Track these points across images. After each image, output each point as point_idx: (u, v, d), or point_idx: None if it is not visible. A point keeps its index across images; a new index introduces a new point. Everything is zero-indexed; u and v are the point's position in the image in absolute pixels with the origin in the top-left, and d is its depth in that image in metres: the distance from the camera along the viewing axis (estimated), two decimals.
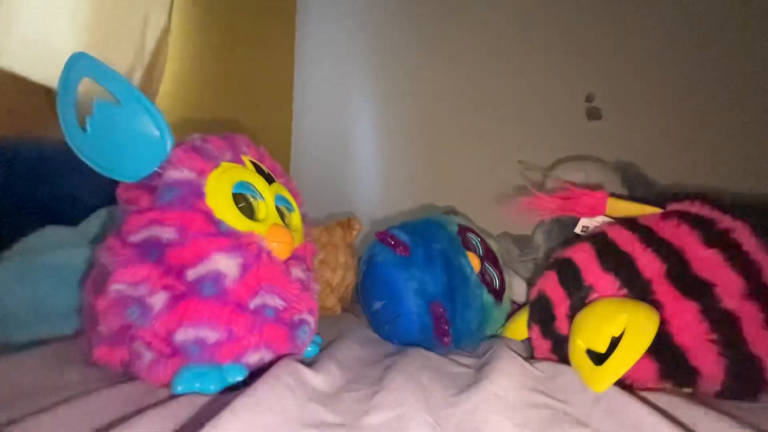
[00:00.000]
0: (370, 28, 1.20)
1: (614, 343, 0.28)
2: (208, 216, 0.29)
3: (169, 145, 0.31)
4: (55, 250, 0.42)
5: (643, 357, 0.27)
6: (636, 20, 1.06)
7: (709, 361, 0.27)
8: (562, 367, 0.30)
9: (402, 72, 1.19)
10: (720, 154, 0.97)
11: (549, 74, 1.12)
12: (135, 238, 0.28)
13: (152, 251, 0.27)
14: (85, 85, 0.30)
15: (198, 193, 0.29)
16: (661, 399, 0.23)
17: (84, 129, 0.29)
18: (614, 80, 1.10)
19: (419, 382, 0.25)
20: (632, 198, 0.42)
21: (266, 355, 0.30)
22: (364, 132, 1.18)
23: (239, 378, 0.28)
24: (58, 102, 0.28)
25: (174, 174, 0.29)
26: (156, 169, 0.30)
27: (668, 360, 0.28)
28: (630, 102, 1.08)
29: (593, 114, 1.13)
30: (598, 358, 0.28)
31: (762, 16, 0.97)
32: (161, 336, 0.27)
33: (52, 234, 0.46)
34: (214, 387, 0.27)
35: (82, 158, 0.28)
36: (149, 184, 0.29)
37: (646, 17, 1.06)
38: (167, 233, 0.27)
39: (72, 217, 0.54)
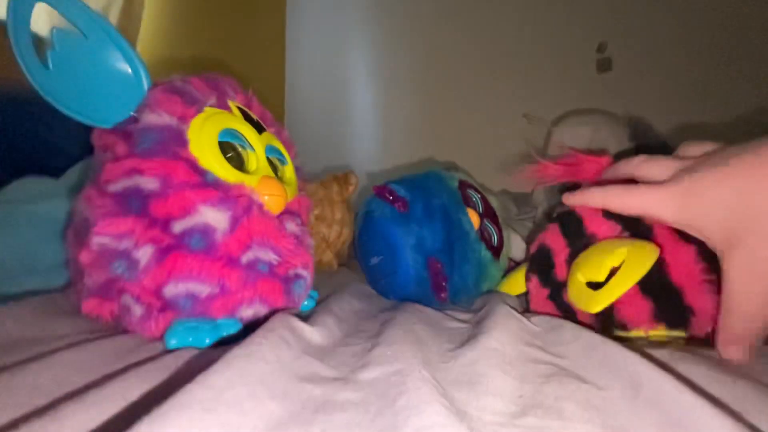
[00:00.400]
0: None
1: (613, 273, 0.28)
2: (193, 165, 0.27)
3: (145, 85, 0.28)
4: (37, 201, 0.40)
5: (638, 296, 0.28)
6: None
7: (703, 300, 0.28)
8: (559, 320, 0.30)
9: (402, 18, 1.10)
10: (732, 110, 0.93)
11: (557, 22, 1.05)
12: (114, 187, 0.26)
13: (134, 202, 0.25)
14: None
15: (180, 140, 0.27)
16: (657, 353, 0.23)
17: (47, 66, 0.26)
18: (627, 29, 1.02)
19: (417, 337, 0.25)
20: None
21: (261, 310, 0.30)
22: (362, 81, 1.12)
23: (233, 331, 0.27)
24: (10, 32, 0.24)
25: (152, 118, 0.26)
26: (132, 113, 0.27)
27: (664, 299, 0.29)
28: (642, 53, 1.02)
29: (604, 65, 1.07)
30: (597, 288, 0.29)
31: None
32: (150, 290, 0.26)
33: (33, 184, 0.44)
34: (208, 340, 0.26)
35: (47, 98, 0.26)
36: (125, 130, 0.27)
37: None
38: (149, 183, 0.25)
39: (53, 168, 0.51)
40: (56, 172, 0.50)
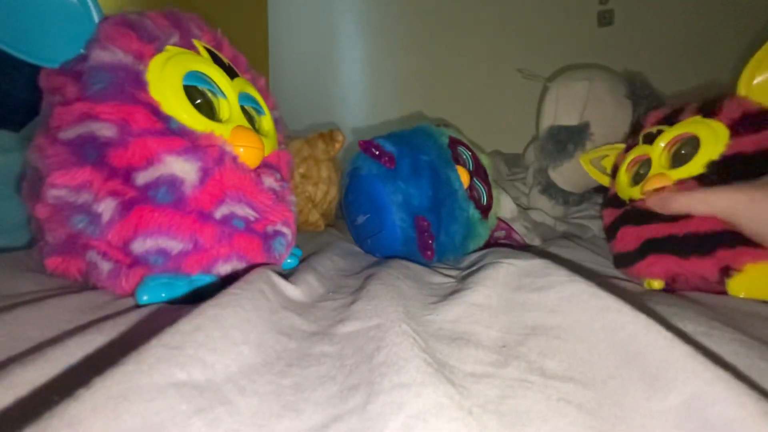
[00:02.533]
0: None
1: None
2: (154, 110, 0.24)
3: (94, 17, 0.25)
4: None
5: None
6: None
7: None
8: (550, 265, 0.28)
9: None
10: (733, 64, 0.90)
11: None
12: (66, 135, 0.23)
13: (89, 151, 0.23)
14: None
15: (137, 82, 0.24)
16: (655, 307, 0.22)
17: None
18: None
19: (399, 292, 0.24)
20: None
21: (239, 266, 0.28)
22: (349, 33, 1.05)
23: (209, 281, 0.26)
24: None
25: (103, 56, 0.23)
26: (81, 50, 0.24)
27: None
28: (645, 7, 0.96)
29: (605, 18, 1.01)
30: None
31: None
32: (117, 246, 0.24)
33: None
34: (183, 295, 0.25)
35: None
36: (75, 70, 0.24)
37: None
38: (105, 129, 0.23)
39: (14, 122, 0.48)
40: (19, 127, 0.46)
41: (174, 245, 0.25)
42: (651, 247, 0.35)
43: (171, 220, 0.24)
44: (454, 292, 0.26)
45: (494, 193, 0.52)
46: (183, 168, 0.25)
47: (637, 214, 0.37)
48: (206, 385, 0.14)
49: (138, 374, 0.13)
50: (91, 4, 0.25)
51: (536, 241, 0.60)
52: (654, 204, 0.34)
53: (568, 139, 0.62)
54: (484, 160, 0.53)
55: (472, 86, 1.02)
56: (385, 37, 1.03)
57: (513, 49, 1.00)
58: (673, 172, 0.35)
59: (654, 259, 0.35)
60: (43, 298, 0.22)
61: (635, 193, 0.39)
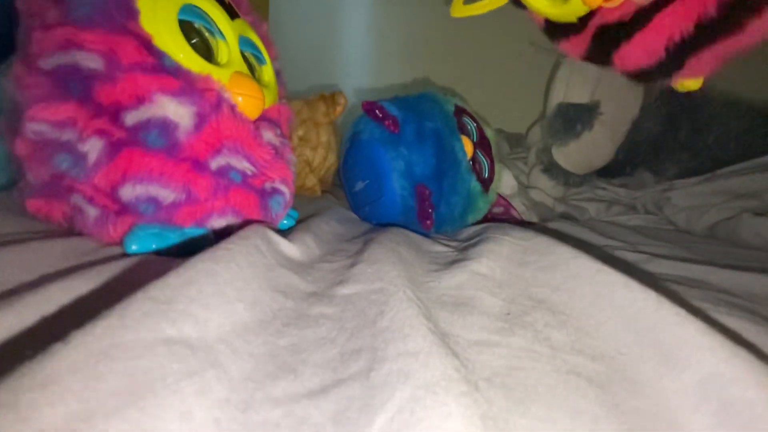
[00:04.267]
0: None
1: None
2: (146, 43, 0.22)
3: None
4: None
5: None
6: None
7: None
8: (554, 243, 0.28)
9: None
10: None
11: None
12: (47, 63, 0.21)
13: (73, 84, 0.21)
14: None
15: (127, 9, 0.22)
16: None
17: None
18: None
19: (400, 257, 0.24)
20: None
21: (234, 222, 0.27)
22: None
23: (201, 233, 0.25)
24: None
25: None
26: None
27: None
28: None
29: None
30: None
31: None
32: (104, 191, 0.23)
33: None
34: (174, 246, 0.24)
35: None
36: None
37: None
38: (90, 61, 0.21)
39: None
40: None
41: (166, 194, 0.23)
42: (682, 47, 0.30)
43: (163, 166, 0.23)
44: (455, 261, 0.26)
45: (496, 167, 0.51)
46: (177, 111, 0.23)
47: (620, 26, 0.32)
48: (198, 343, 0.13)
49: (122, 329, 0.12)
50: None
51: (534, 220, 0.59)
52: None
53: (576, 118, 0.61)
54: (489, 133, 0.51)
55: (480, 58, 0.98)
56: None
57: (526, 22, 0.95)
58: None
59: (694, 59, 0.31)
60: (24, 241, 0.21)
61: (579, 6, 0.33)
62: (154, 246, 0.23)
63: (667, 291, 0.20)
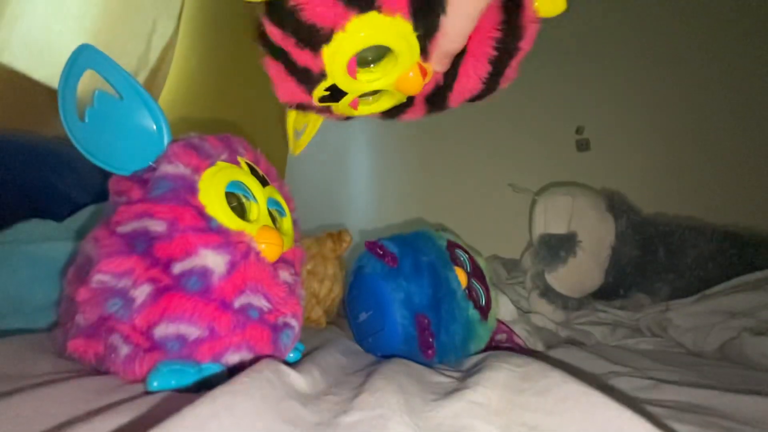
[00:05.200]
0: None
1: None
2: (200, 212, 0.29)
3: (166, 140, 0.31)
4: (38, 242, 0.41)
5: None
6: (625, 56, 1.12)
7: None
8: (550, 371, 0.29)
9: None
10: (704, 188, 1.01)
11: (541, 105, 1.17)
12: (123, 229, 0.27)
13: (140, 243, 0.27)
14: (88, 81, 0.31)
15: (191, 189, 0.29)
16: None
17: (83, 120, 0.29)
18: (603, 114, 1.15)
19: (400, 386, 0.25)
20: None
21: (247, 357, 0.30)
22: (359, 147, 1.20)
23: (216, 371, 0.27)
24: (60, 90, 0.28)
25: (168, 168, 0.29)
26: (151, 163, 0.30)
27: None
28: (618, 135, 1.12)
29: (583, 145, 1.17)
30: None
31: (745, 54, 1.03)
32: (141, 330, 0.26)
33: (35, 226, 0.45)
34: (191, 383, 0.26)
35: (78, 148, 0.29)
36: (142, 177, 0.30)
37: (635, 53, 1.12)
38: (157, 225, 0.27)
39: (59, 214, 0.53)
40: (60, 218, 0.52)
41: (192, 331, 0.27)
42: None
43: (195, 306, 0.27)
44: (454, 391, 0.27)
45: (492, 294, 0.54)
46: (215, 260, 0.28)
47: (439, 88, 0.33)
48: None
49: None
50: (165, 130, 0.32)
51: (539, 346, 0.59)
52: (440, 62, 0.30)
53: (559, 246, 0.67)
54: (482, 263, 0.56)
55: (468, 197, 1.12)
56: (391, 153, 1.18)
57: (503, 167, 1.13)
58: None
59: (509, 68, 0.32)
60: (63, 379, 0.23)
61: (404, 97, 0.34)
62: (173, 383, 0.26)
63: (644, 412, 0.21)
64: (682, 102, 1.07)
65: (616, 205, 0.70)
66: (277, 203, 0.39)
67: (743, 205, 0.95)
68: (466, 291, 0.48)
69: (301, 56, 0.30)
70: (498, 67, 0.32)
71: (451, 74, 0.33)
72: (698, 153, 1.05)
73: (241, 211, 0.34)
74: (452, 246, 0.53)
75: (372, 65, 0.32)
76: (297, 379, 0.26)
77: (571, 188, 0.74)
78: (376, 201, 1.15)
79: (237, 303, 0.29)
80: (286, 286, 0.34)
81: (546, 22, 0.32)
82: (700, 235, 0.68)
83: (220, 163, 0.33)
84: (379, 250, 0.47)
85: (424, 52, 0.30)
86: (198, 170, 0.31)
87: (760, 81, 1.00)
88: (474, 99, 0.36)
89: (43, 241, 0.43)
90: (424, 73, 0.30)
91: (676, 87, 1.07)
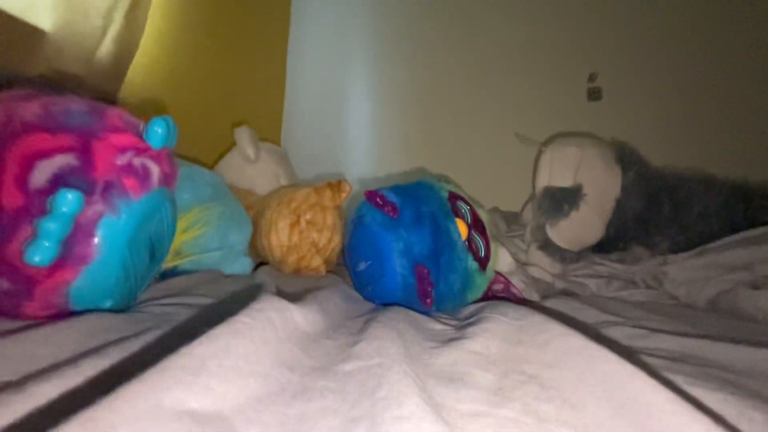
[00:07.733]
0: None
1: None
2: None
3: None
4: None
5: None
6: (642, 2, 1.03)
7: None
8: (547, 321, 0.29)
9: (400, 36, 1.14)
10: (713, 141, 0.97)
11: (552, 49, 1.09)
12: None
13: None
14: None
15: None
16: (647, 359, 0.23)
17: None
18: (617, 62, 1.07)
19: (399, 334, 0.25)
20: None
21: None
22: (359, 94, 1.14)
23: None
24: None
25: None
26: None
27: None
28: (630, 85, 1.06)
29: (594, 94, 1.11)
30: None
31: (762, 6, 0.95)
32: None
33: None
34: None
35: None
36: None
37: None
38: None
39: None
40: None
41: None
42: None
43: None
44: (452, 339, 0.27)
45: (492, 246, 0.54)
46: None
47: None
48: (217, 414, 0.15)
49: (161, 391, 0.13)
50: None
51: (534, 296, 0.60)
52: None
53: (563, 199, 0.66)
54: (483, 215, 0.55)
55: (472, 147, 1.09)
56: (392, 100, 1.13)
57: (510, 115, 1.08)
58: None
59: None
60: (52, 322, 0.23)
61: None
62: None
63: (643, 364, 0.21)
64: (699, 52, 1.00)
65: (625, 157, 0.67)
66: None
67: (756, 159, 0.92)
68: (466, 242, 0.48)
69: None
70: None
71: None
72: (712, 105, 1.00)
73: None
74: (454, 197, 0.52)
75: None
76: (298, 316, 0.26)
77: (581, 139, 0.71)
78: (376, 149, 1.12)
79: None
80: None
81: None
82: (709, 188, 0.66)
83: None
84: (379, 200, 0.46)
85: None
86: None
87: None
88: None
89: None
90: None
91: (694, 36, 0.99)
